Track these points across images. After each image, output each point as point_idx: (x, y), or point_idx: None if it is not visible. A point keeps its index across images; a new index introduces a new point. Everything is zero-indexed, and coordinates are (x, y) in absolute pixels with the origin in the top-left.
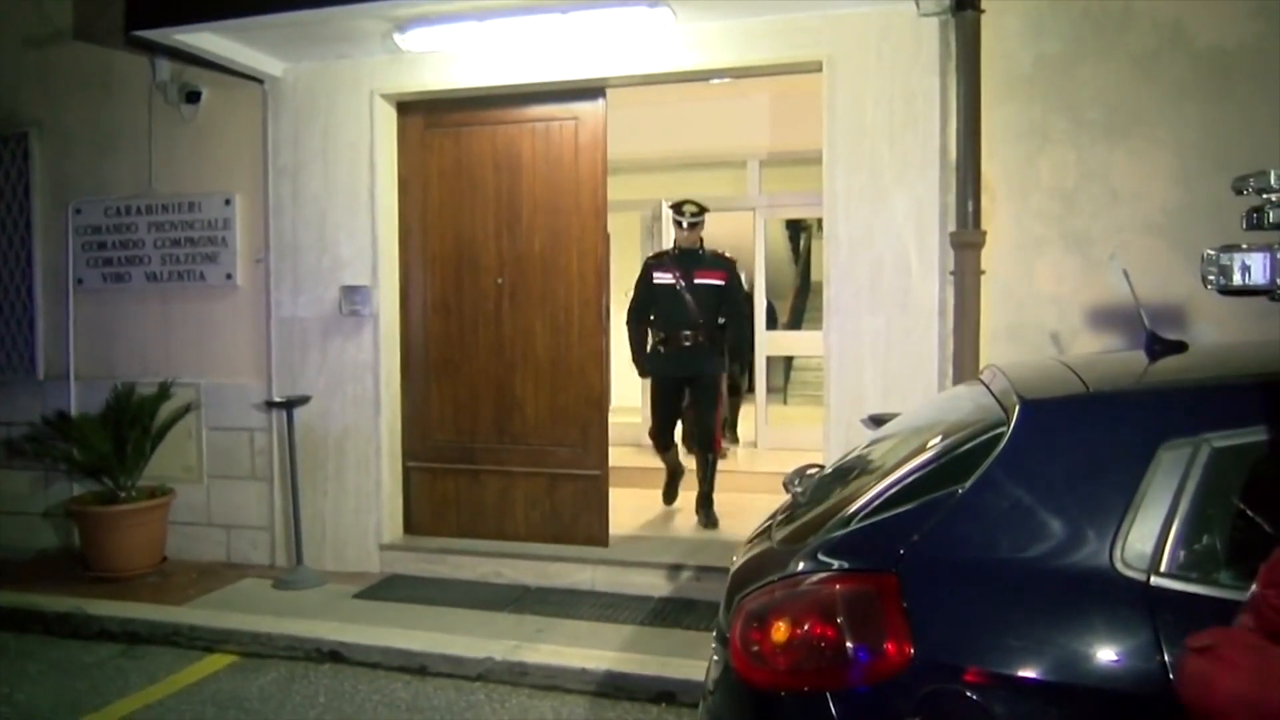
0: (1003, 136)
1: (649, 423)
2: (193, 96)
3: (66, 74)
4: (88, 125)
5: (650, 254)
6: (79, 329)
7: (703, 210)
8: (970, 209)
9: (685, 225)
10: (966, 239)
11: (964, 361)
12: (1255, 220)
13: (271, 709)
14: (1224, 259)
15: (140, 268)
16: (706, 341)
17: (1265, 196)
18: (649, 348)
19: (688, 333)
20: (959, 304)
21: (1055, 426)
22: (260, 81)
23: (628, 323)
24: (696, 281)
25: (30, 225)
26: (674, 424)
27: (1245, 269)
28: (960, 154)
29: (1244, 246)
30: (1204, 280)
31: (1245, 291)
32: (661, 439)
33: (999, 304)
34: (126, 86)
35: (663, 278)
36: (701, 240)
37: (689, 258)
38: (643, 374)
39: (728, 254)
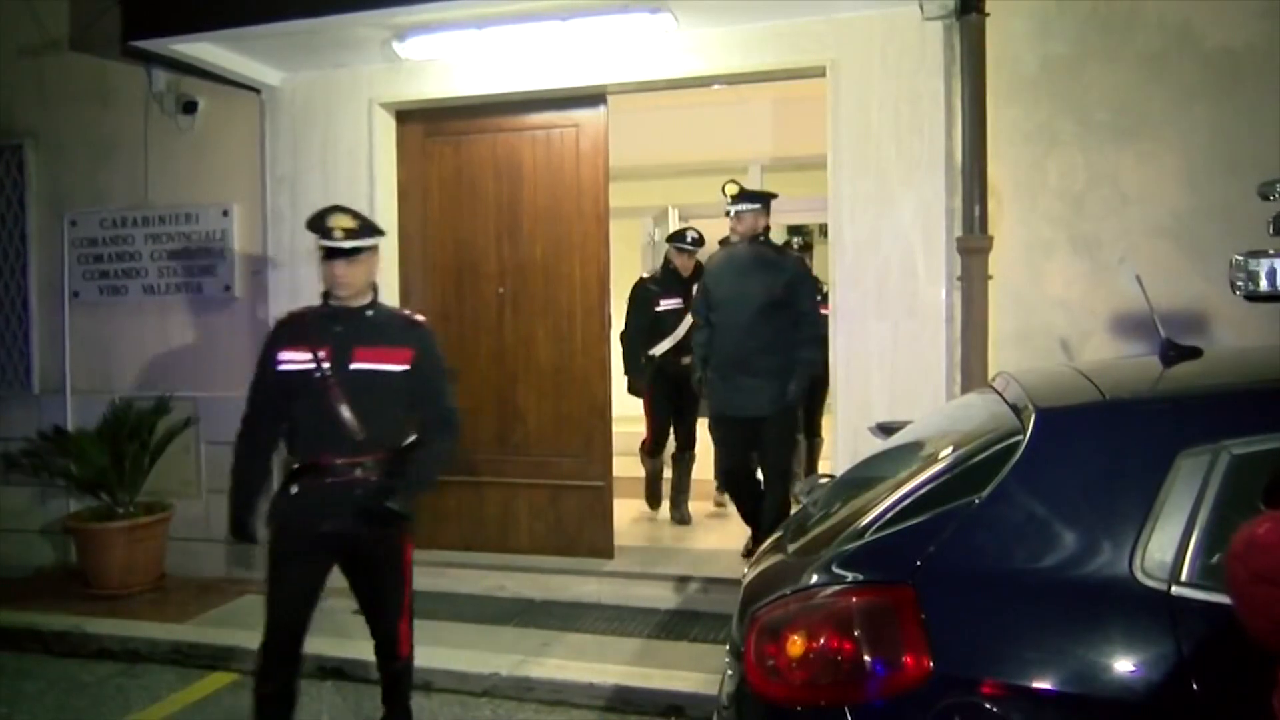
0: (1009, 139)
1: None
2: (189, 107)
3: (62, 84)
4: (84, 136)
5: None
6: (75, 342)
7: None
8: (977, 213)
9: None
10: (973, 243)
11: (972, 368)
12: None
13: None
14: (1252, 264)
15: (137, 280)
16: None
17: None
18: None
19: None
20: (966, 309)
21: (1072, 435)
22: (258, 91)
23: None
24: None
25: (25, 237)
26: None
27: (1274, 274)
28: (966, 157)
29: (1271, 252)
30: (1232, 286)
31: (1273, 297)
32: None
33: (1007, 309)
34: (123, 97)
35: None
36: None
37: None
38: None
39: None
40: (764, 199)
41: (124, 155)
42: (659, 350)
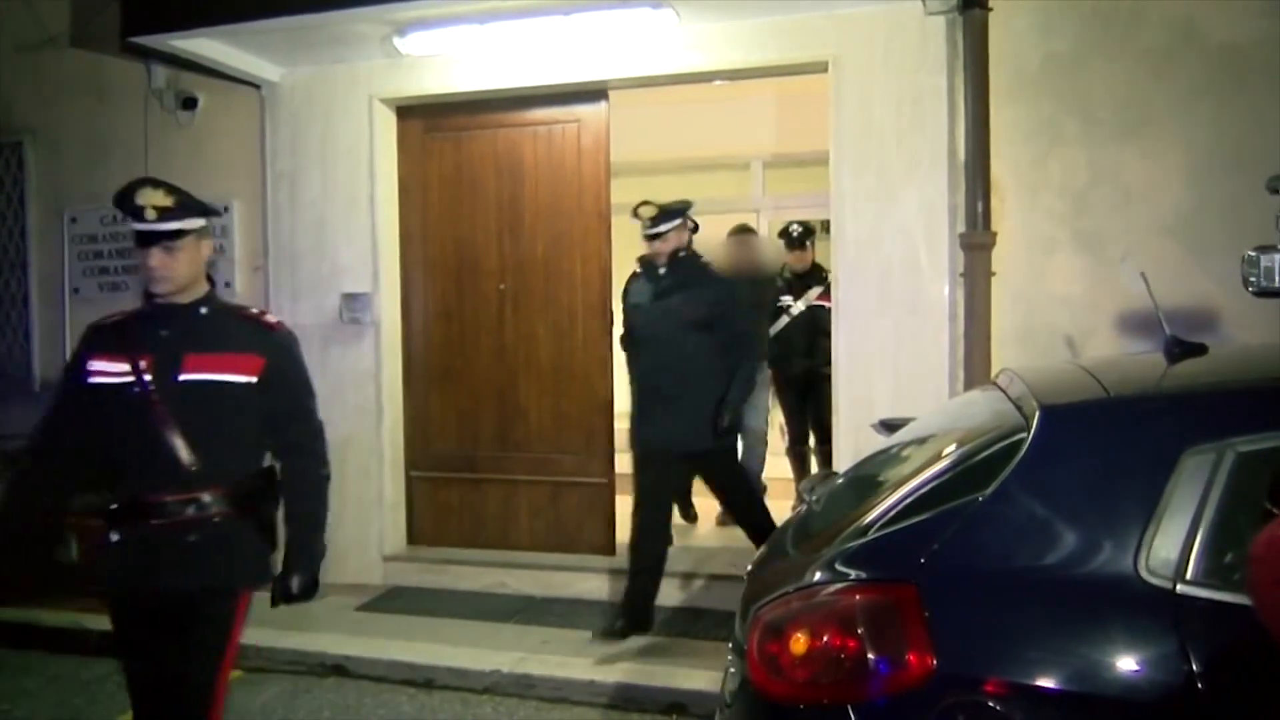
0: (1012, 136)
1: None
2: (189, 103)
3: (61, 81)
4: (83, 132)
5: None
6: (75, 339)
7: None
8: (980, 210)
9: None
10: (976, 240)
11: (975, 365)
12: None
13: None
14: (1265, 260)
15: (137, 276)
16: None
17: None
18: None
19: None
20: (969, 306)
21: (1076, 432)
22: (257, 87)
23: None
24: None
25: (25, 234)
26: None
27: None
28: (969, 154)
29: None
30: (1244, 282)
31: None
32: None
33: (1010, 306)
34: (122, 93)
35: None
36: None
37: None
38: None
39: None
40: (682, 210)
41: (124, 152)
42: None
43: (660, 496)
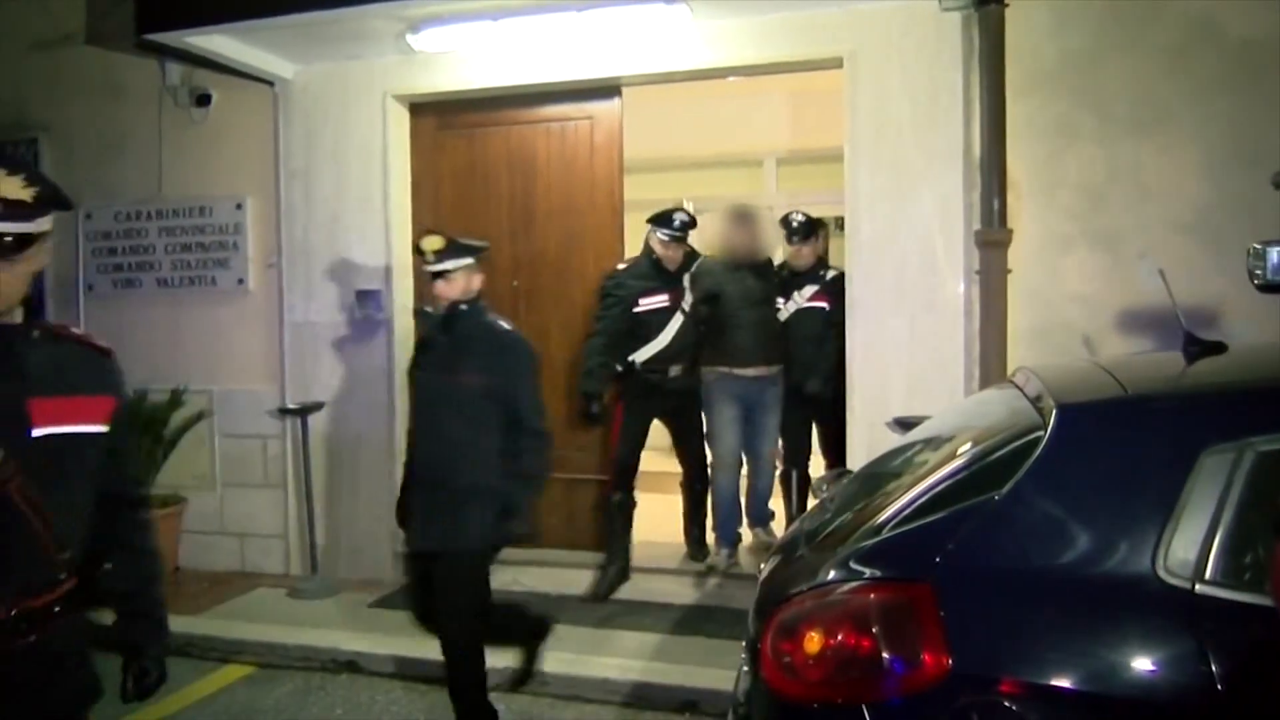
0: (1027, 133)
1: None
2: (203, 99)
3: (75, 78)
4: (97, 129)
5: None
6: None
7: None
8: (995, 207)
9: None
10: (992, 237)
11: (991, 363)
12: None
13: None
14: (1273, 253)
15: (151, 273)
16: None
17: None
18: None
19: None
20: (985, 304)
21: (1093, 431)
22: (271, 84)
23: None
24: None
25: None
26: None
27: None
28: (984, 151)
29: None
30: (1250, 275)
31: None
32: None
33: (1026, 304)
34: (136, 90)
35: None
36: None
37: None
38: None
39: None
40: (476, 250)
41: (137, 148)
42: (641, 356)
43: (478, 605)
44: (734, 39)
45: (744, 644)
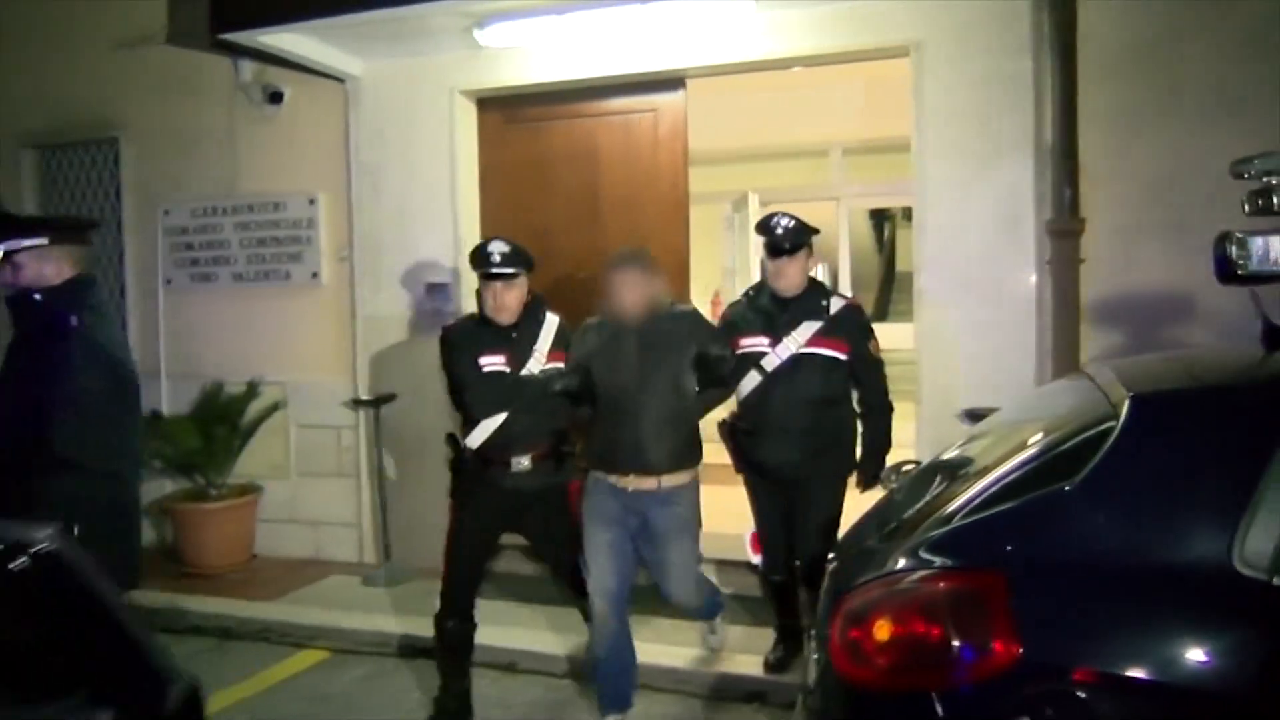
0: (1099, 120)
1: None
2: (275, 97)
3: (154, 78)
4: (175, 128)
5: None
6: (169, 328)
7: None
8: (1067, 195)
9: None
10: (1063, 226)
11: (1062, 354)
12: (1261, 205)
13: (362, 705)
14: (1257, 243)
15: (227, 268)
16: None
17: (1267, 180)
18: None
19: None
20: (1056, 294)
21: (1167, 421)
22: (341, 80)
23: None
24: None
25: (121, 227)
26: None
27: (1262, 253)
28: (1055, 138)
29: (1240, 233)
30: (1228, 264)
31: (1256, 279)
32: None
33: (1097, 294)
34: (211, 88)
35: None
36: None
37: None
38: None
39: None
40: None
41: (213, 146)
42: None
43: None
44: (799, 29)
45: (813, 634)
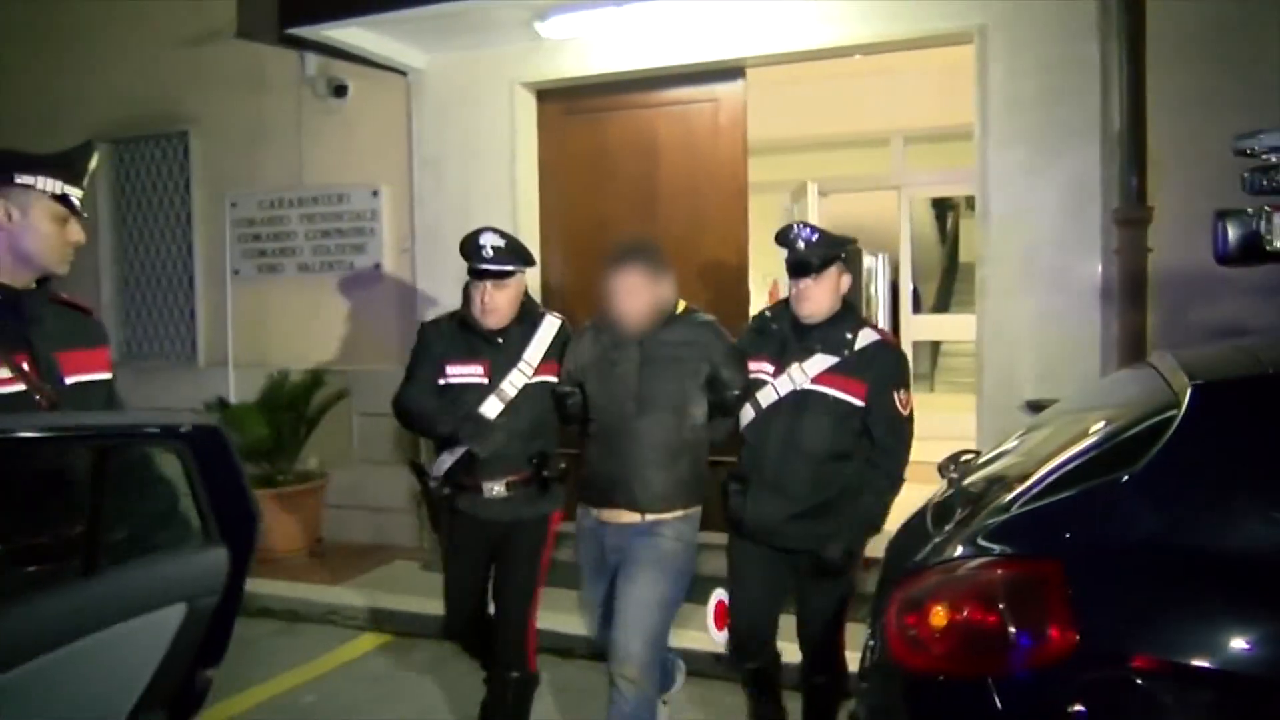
0: (1168, 105)
1: None
2: (340, 90)
3: (222, 73)
4: (243, 121)
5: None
6: (236, 318)
7: None
8: (1134, 183)
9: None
10: (1131, 215)
11: (1128, 344)
12: (1265, 184)
13: (421, 689)
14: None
15: (292, 258)
16: None
17: (1267, 158)
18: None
19: None
20: (1123, 284)
21: (1230, 410)
22: (404, 74)
23: None
24: None
25: (191, 218)
26: None
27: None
28: (1123, 125)
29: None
30: (1262, 240)
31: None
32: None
33: (1165, 284)
34: (278, 83)
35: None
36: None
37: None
38: None
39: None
40: None
41: (280, 139)
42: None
43: None
44: (860, 16)
45: (869, 623)
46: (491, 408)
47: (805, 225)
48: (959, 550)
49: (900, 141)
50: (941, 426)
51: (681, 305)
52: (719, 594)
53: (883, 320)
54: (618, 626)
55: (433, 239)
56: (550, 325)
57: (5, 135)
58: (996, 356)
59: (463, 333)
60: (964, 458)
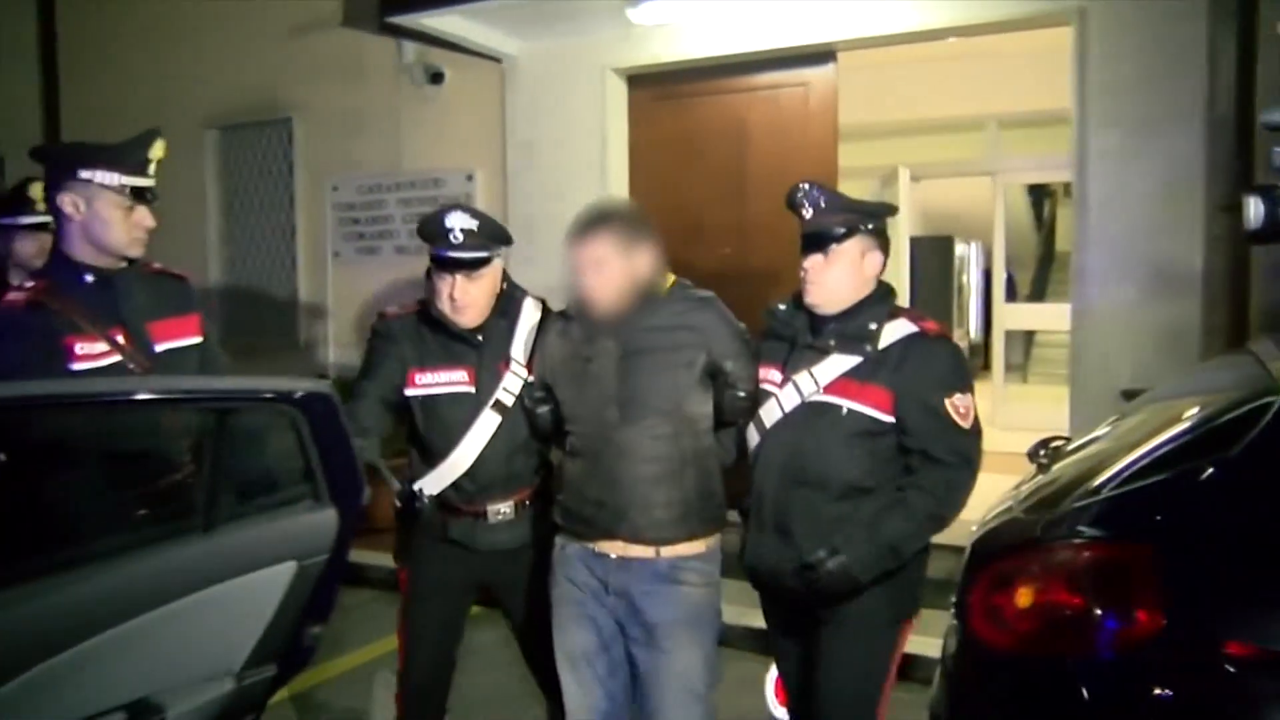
0: (1276, 88)
1: None
2: (436, 77)
3: (324, 62)
4: (343, 108)
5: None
6: (336, 298)
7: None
8: (1239, 168)
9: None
10: (1235, 201)
11: (1230, 333)
12: None
13: (501, 660)
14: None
15: (390, 241)
16: None
17: None
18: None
19: None
20: (1226, 271)
21: None
22: (498, 60)
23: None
24: None
25: (293, 202)
26: None
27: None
28: (1229, 108)
29: None
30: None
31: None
32: None
33: (1269, 271)
34: (377, 71)
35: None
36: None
37: None
38: None
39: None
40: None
41: (378, 125)
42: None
43: None
44: None
45: (953, 608)
46: (488, 422)
47: (815, 186)
48: (1047, 532)
49: (995, 126)
50: (1034, 418)
51: (670, 280)
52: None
53: (975, 310)
54: (663, 712)
55: (525, 222)
56: (532, 311)
57: (125, 125)
58: (1092, 345)
59: (430, 333)
60: (1054, 443)
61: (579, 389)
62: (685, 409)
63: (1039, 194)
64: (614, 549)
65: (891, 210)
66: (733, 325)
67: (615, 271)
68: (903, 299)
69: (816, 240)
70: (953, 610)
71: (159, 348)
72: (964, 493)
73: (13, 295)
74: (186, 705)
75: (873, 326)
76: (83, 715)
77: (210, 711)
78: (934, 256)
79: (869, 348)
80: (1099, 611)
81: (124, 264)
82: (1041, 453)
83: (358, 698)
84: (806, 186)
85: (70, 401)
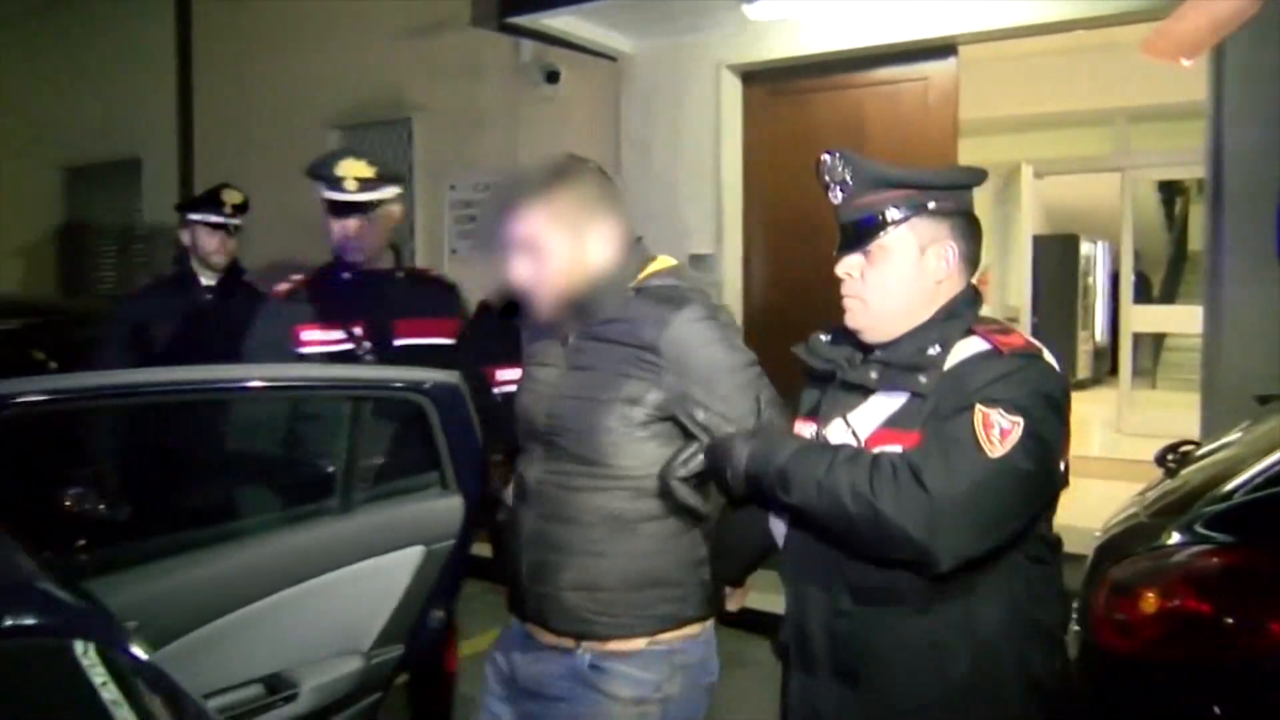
0: None
1: None
2: (552, 77)
3: (443, 62)
4: (461, 108)
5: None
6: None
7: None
8: None
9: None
10: None
11: None
12: None
13: None
14: None
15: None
16: None
17: None
18: None
19: None
20: None
21: None
22: (613, 59)
23: None
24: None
25: (414, 201)
26: None
27: None
28: None
29: None
30: None
31: None
32: None
33: None
34: (494, 71)
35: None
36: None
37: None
38: None
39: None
40: None
41: (495, 124)
42: None
43: None
44: None
45: (1075, 605)
46: None
47: (842, 155)
48: (1176, 537)
49: (1123, 120)
50: (1163, 424)
51: (654, 266)
52: None
53: (1101, 312)
54: None
55: (639, 219)
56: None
57: (254, 125)
58: (1225, 348)
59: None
60: (1183, 448)
61: (520, 404)
62: (616, 461)
63: (1170, 190)
64: (533, 630)
65: (975, 178)
66: (723, 351)
67: (554, 257)
68: (1023, 303)
69: (851, 234)
70: (1075, 616)
71: (399, 342)
72: (919, 519)
73: (280, 286)
74: (318, 681)
75: (933, 351)
76: (224, 685)
77: (340, 689)
78: (1058, 256)
79: (922, 379)
80: (1229, 619)
81: (382, 265)
82: (1170, 457)
83: (472, 684)
84: (829, 157)
85: (211, 388)
